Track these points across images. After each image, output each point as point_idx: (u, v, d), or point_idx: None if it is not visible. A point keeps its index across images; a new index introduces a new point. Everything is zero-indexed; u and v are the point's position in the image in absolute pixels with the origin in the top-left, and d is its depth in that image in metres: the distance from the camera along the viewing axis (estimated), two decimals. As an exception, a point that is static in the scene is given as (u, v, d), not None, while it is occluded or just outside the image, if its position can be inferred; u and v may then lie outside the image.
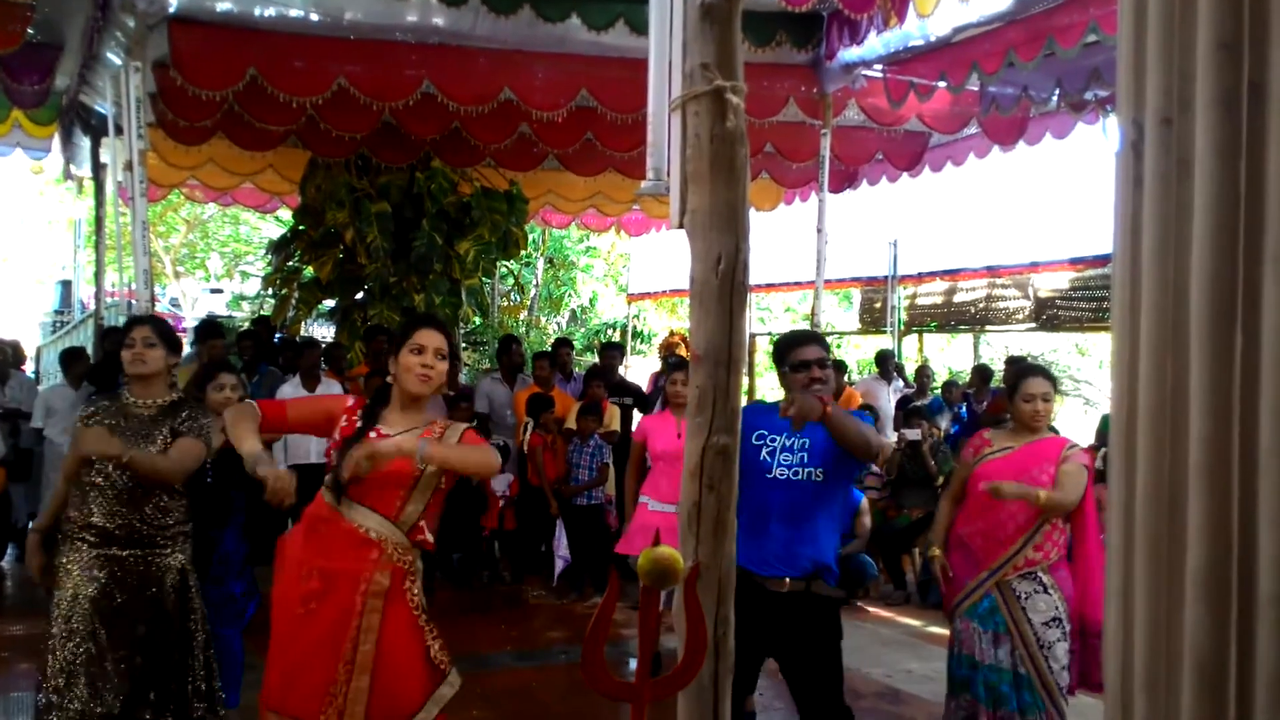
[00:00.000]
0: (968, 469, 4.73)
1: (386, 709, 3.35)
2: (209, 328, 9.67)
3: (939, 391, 11.52)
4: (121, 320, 12.51)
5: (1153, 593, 1.32)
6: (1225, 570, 1.24)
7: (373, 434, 3.41)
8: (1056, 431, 5.02)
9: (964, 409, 10.51)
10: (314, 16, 7.27)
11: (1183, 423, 1.30)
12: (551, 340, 19.95)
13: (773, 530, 4.00)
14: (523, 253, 14.40)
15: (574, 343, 15.05)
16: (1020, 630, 4.53)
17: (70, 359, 9.39)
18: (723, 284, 2.48)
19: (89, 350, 10.41)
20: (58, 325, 20.44)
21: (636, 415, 8.97)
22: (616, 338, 20.38)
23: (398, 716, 3.37)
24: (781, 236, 13.32)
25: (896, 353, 14.23)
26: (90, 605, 3.89)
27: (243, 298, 26.66)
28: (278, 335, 10.75)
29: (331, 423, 3.51)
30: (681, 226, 2.55)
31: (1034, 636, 4.53)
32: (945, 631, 7.44)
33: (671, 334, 14.64)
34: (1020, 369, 4.99)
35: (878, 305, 15.51)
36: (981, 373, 11.16)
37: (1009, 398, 4.76)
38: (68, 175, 11.93)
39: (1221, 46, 1.28)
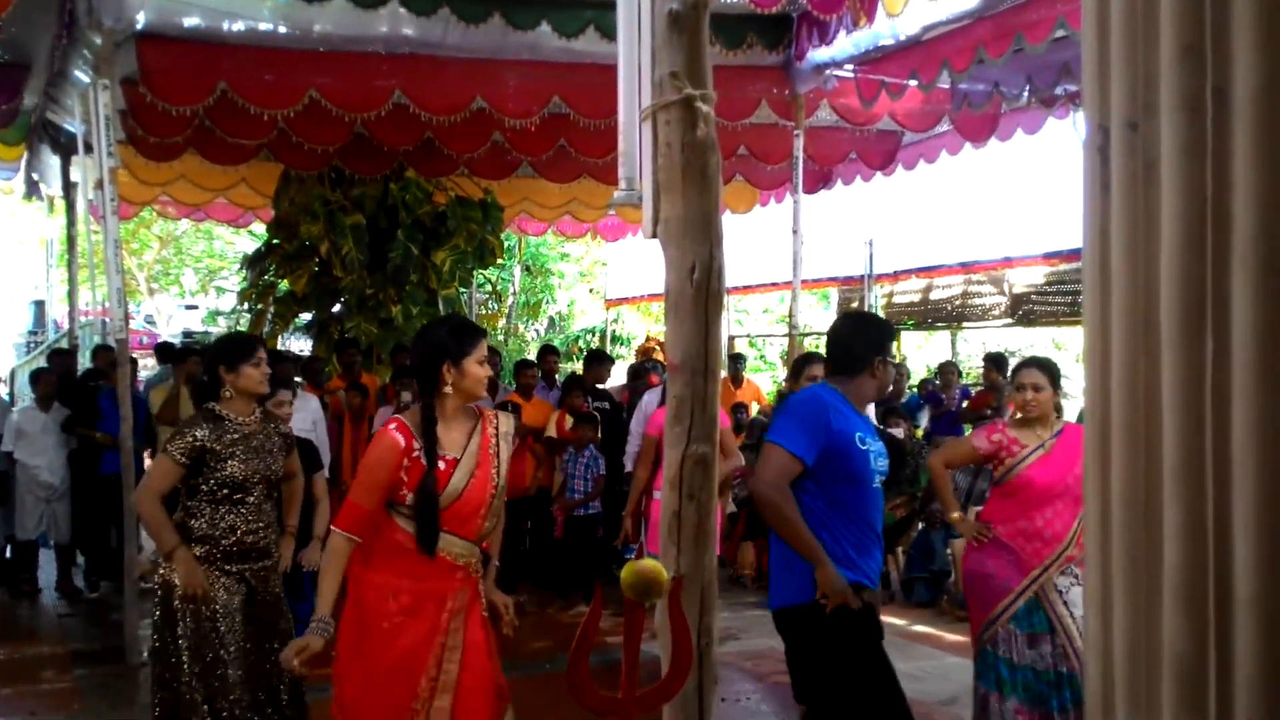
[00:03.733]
0: (1005, 466, 4.63)
1: None
2: (179, 349, 9.73)
3: (915, 390, 11.56)
4: (97, 339, 12.45)
5: (1131, 598, 1.33)
6: (1202, 573, 1.25)
7: (441, 464, 3.42)
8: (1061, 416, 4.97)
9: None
10: (283, 29, 7.24)
11: (1156, 427, 1.30)
12: (533, 348, 19.99)
13: (876, 547, 3.85)
14: (499, 261, 14.37)
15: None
16: (1064, 626, 4.47)
17: (37, 380, 9.29)
18: (698, 293, 2.47)
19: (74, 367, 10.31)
20: (32, 345, 20.30)
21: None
22: (595, 343, 20.38)
23: None
24: (757, 238, 13.34)
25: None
26: (233, 617, 4.10)
27: (218, 313, 26.54)
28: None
29: (397, 473, 3.39)
30: (655, 236, 2.54)
31: (1077, 630, 4.47)
32: (929, 630, 7.53)
33: (648, 339, 14.63)
34: (1021, 361, 5.07)
35: (855, 304, 15.55)
36: (944, 369, 11.27)
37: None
38: (32, 193, 11.83)
39: (1185, 49, 1.28)
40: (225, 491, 4.08)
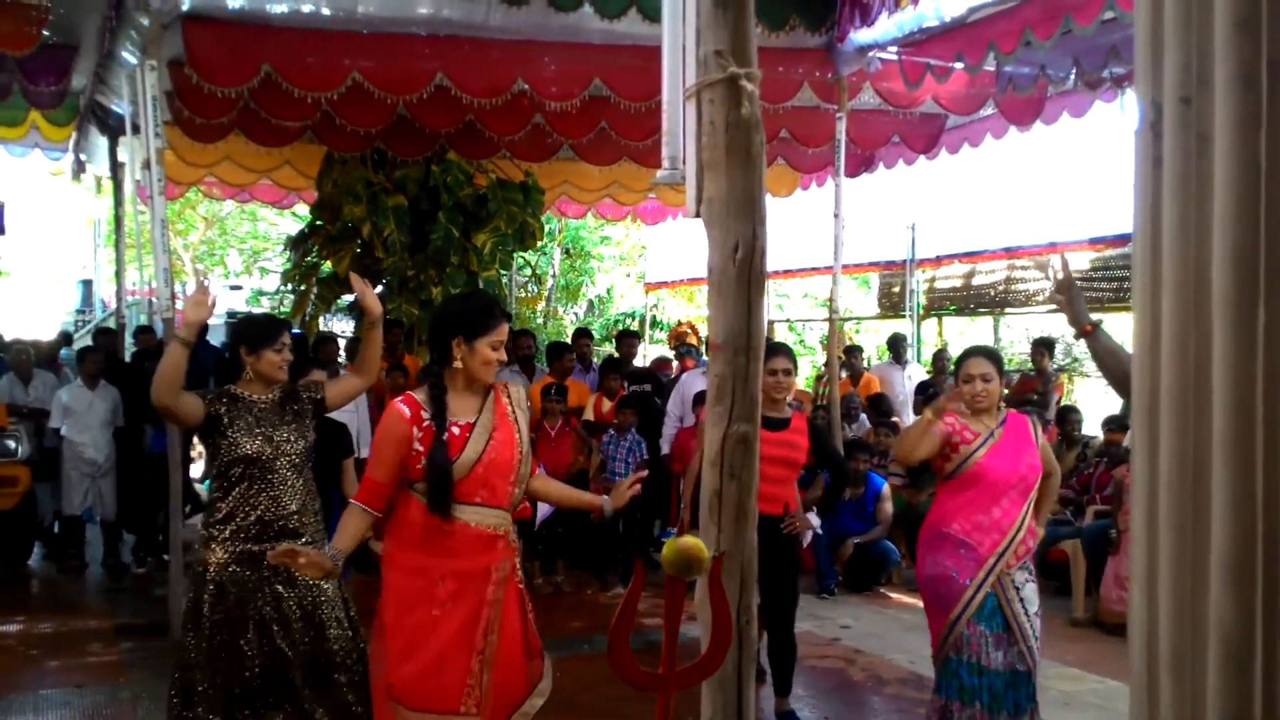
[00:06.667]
0: (959, 455, 4.56)
1: (504, 700, 3.49)
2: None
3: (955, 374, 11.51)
4: (144, 318, 12.63)
5: (1177, 574, 1.32)
6: (1250, 551, 1.24)
7: (455, 429, 3.45)
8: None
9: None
10: (326, 11, 7.27)
11: (1206, 403, 1.29)
12: (572, 331, 20.08)
13: None
14: (539, 243, 14.40)
15: (593, 333, 15.09)
16: (1019, 625, 4.44)
17: (84, 358, 9.44)
18: (740, 272, 2.47)
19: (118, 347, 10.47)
20: (80, 324, 20.62)
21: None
22: (635, 327, 20.42)
23: (511, 705, 3.52)
24: (799, 222, 13.27)
25: (916, 337, 14.17)
26: (266, 602, 4.00)
27: (262, 293, 26.80)
28: (295, 331, 10.82)
29: (408, 444, 3.42)
30: (698, 215, 2.54)
31: (1030, 630, 4.47)
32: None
33: (679, 324, 14.65)
34: (967, 351, 5.00)
35: (896, 289, 15.46)
36: (937, 358, 11.28)
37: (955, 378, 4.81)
38: (78, 172, 11.97)
39: (1239, 23, 1.27)
40: (241, 468, 4.00)
